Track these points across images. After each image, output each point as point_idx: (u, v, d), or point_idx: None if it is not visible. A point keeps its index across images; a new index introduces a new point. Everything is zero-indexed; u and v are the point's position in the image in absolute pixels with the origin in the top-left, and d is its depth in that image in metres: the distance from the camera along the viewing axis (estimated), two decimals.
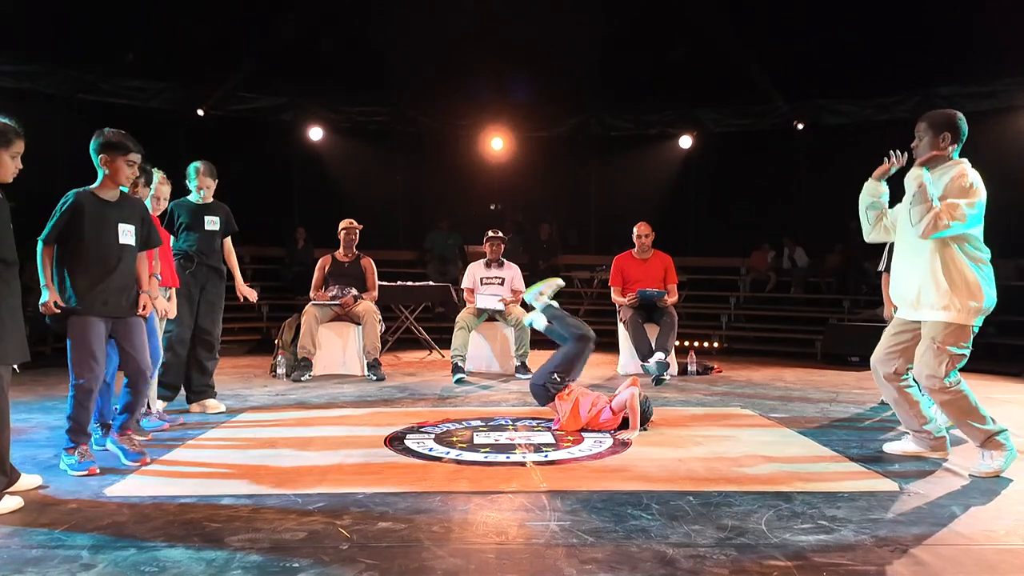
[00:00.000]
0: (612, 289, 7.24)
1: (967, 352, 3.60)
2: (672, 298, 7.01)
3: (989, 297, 3.57)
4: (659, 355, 6.52)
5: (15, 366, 3.14)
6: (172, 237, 4.99)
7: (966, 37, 8.86)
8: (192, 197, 5.12)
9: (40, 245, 3.51)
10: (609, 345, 8.56)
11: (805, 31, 9.72)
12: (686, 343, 8.11)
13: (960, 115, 3.72)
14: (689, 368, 7.09)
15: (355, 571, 2.38)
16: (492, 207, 12.24)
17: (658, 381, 6.41)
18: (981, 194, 3.56)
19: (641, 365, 6.71)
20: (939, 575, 2.38)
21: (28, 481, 3.23)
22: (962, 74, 9.46)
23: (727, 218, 11.49)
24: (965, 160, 3.70)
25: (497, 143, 11.77)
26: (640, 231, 7.14)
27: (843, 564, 2.45)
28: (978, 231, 3.62)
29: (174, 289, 4.75)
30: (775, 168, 11.39)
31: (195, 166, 5.11)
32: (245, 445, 4.17)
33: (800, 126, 10.99)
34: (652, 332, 6.80)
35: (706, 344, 9.03)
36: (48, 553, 2.53)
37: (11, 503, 2.97)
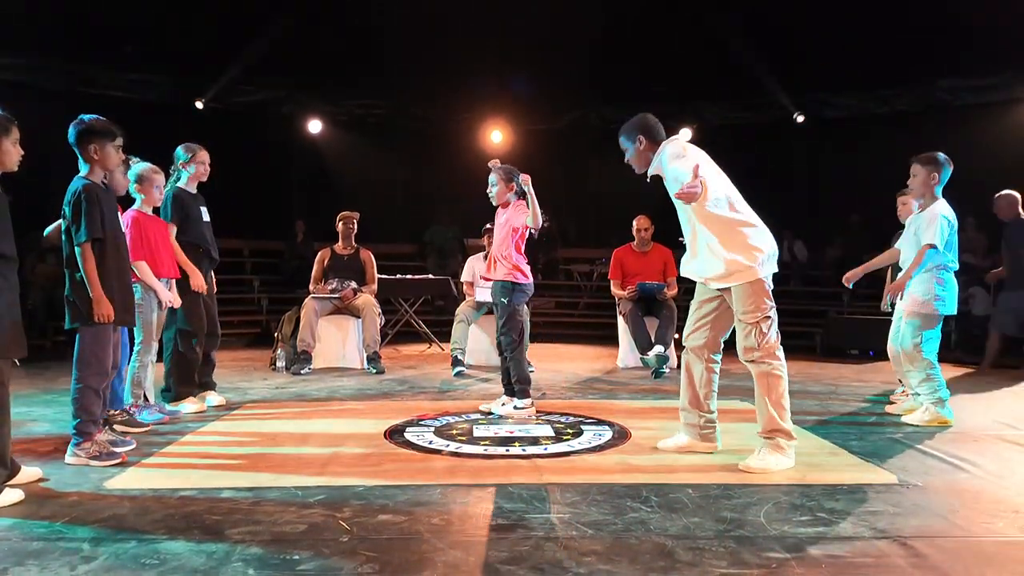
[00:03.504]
0: (611, 282, 7.24)
1: (771, 311, 3.48)
2: (672, 291, 7.01)
3: (768, 245, 3.49)
4: (658, 348, 6.52)
5: (15, 360, 3.14)
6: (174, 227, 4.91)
7: (967, 29, 8.84)
8: (190, 186, 4.95)
9: (83, 246, 3.46)
10: (609, 338, 8.57)
11: (805, 23, 9.70)
12: None
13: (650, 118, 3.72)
14: None
15: (355, 563, 2.38)
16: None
17: (657, 374, 6.42)
18: (689, 158, 3.47)
19: (640, 358, 6.71)
20: (938, 567, 2.39)
21: (29, 474, 3.24)
22: (963, 66, 9.44)
23: None
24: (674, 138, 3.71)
25: (496, 136, 11.75)
26: (640, 224, 7.12)
27: (842, 556, 2.46)
28: (725, 194, 3.51)
29: (174, 280, 4.73)
30: (775, 161, 11.37)
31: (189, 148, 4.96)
32: (245, 438, 4.18)
33: (800, 118, 10.97)
34: (651, 325, 6.80)
35: None
36: (49, 546, 2.54)
37: (12, 496, 2.97)
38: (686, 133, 3.66)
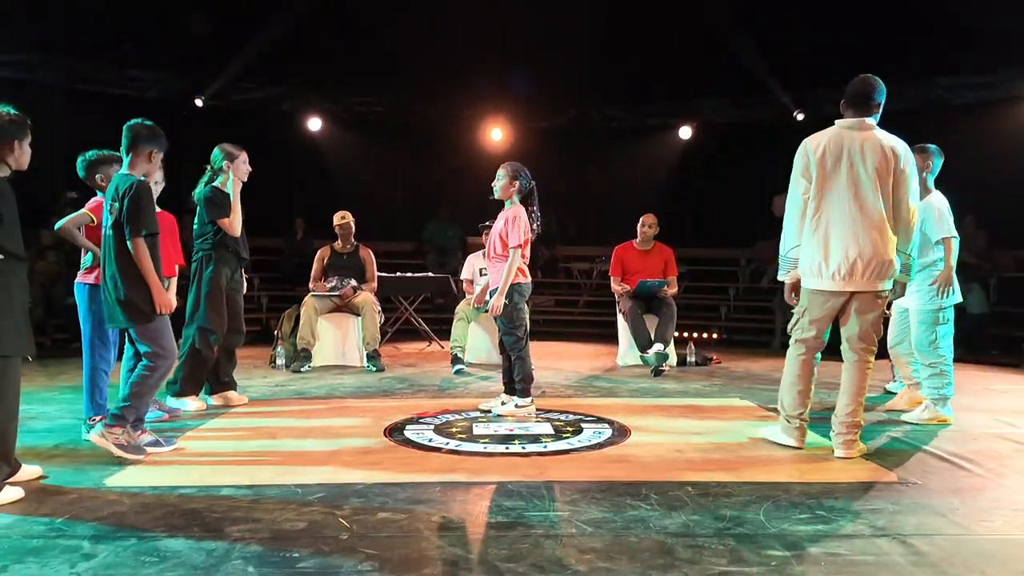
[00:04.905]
0: (611, 279, 7.22)
1: (798, 311, 3.77)
2: (672, 289, 7.00)
3: (810, 260, 3.65)
4: (658, 346, 6.51)
5: (28, 356, 3.16)
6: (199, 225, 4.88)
7: (966, 27, 8.83)
8: (226, 185, 4.91)
9: (139, 241, 3.51)
10: (608, 336, 8.56)
11: (805, 21, 9.69)
12: (685, 334, 8.11)
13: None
14: (688, 359, 7.10)
15: (355, 561, 2.39)
16: (492, 198, 12.21)
17: (657, 372, 6.41)
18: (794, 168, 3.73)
19: (640, 356, 6.71)
20: (937, 565, 2.39)
21: (29, 471, 3.24)
22: (962, 64, 9.43)
23: (727, 209, 11.47)
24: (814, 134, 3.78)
25: (496, 134, 11.75)
26: (646, 221, 7.08)
27: (841, 554, 2.46)
28: (815, 199, 3.65)
29: (174, 280, 4.73)
30: (775, 158, 11.34)
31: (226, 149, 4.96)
32: (245, 436, 4.18)
33: (800, 116, 10.96)
34: (651, 323, 6.80)
35: (705, 335, 9.04)
36: (49, 543, 2.54)
37: (12, 494, 2.98)
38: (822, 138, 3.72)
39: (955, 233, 4.55)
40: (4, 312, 2.98)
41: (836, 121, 3.74)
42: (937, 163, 4.66)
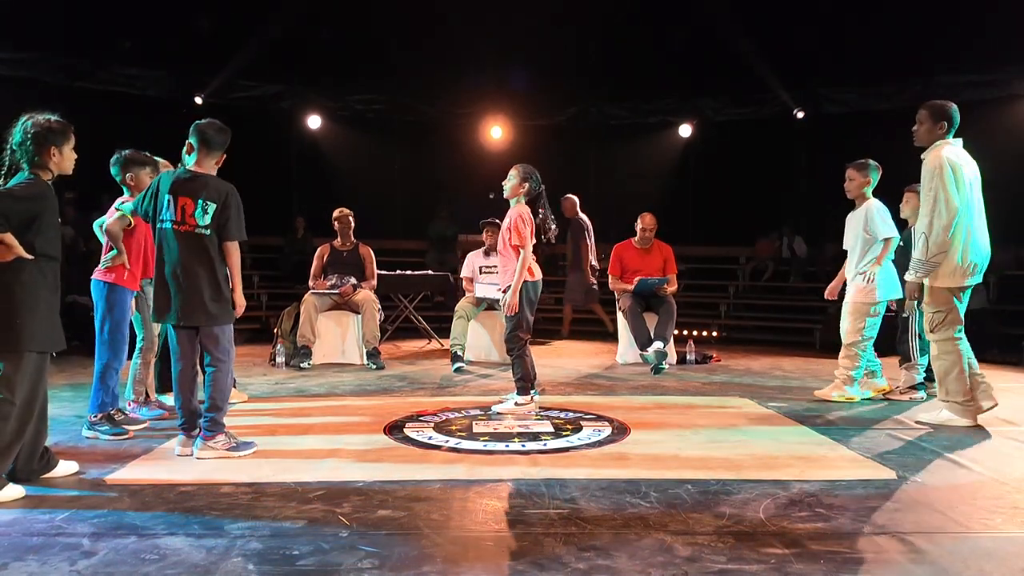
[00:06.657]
0: (610, 278, 7.22)
1: (944, 311, 4.24)
2: (671, 287, 6.99)
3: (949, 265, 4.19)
4: (658, 344, 6.51)
5: (53, 353, 3.17)
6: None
7: (966, 25, 8.83)
8: None
9: (235, 244, 3.58)
10: (608, 334, 8.57)
11: (805, 19, 9.69)
12: (685, 332, 8.11)
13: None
14: (688, 357, 7.09)
15: (355, 558, 2.39)
16: (491, 196, 12.20)
17: (657, 370, 6.41)
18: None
19: (640, 354, 6.70)
20: (936, 563, 2.39)
21: (65, 467, 3.29)
22: (962, 62, 9.43)
23: (726, 207, 11.47)
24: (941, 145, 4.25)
25: (496, 132, 11.74)
26: (645, 223, 7.07)
27: (840, 552, 2.46)
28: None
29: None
30: (775, 157, 11.36)
31: None
32: (245, 433, 4.17)
33: (800, 114, 10.96)
34: (651, 321, 6.80)
35: (705, 333, 9.04)
36: (49, 541, 2.54)
37: (12, 492, 2.98)
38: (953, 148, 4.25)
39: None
40: (29, 309, 3.01)
41: (951, 141, 4.25)
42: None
